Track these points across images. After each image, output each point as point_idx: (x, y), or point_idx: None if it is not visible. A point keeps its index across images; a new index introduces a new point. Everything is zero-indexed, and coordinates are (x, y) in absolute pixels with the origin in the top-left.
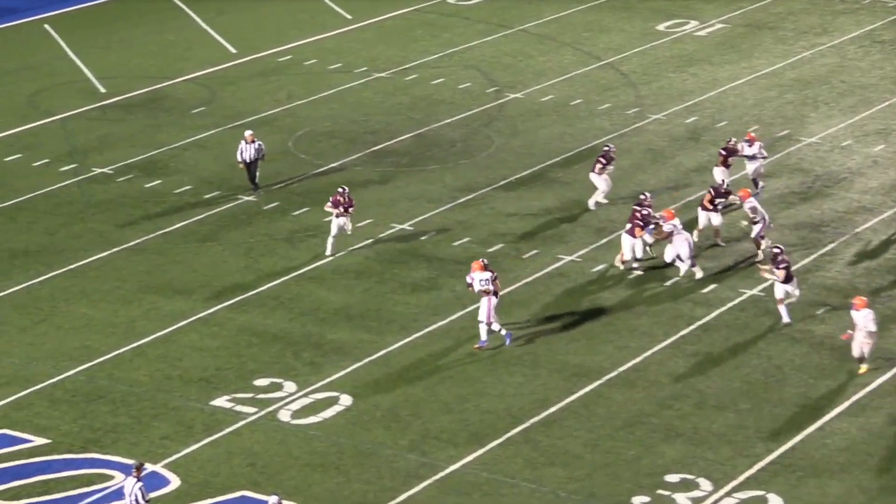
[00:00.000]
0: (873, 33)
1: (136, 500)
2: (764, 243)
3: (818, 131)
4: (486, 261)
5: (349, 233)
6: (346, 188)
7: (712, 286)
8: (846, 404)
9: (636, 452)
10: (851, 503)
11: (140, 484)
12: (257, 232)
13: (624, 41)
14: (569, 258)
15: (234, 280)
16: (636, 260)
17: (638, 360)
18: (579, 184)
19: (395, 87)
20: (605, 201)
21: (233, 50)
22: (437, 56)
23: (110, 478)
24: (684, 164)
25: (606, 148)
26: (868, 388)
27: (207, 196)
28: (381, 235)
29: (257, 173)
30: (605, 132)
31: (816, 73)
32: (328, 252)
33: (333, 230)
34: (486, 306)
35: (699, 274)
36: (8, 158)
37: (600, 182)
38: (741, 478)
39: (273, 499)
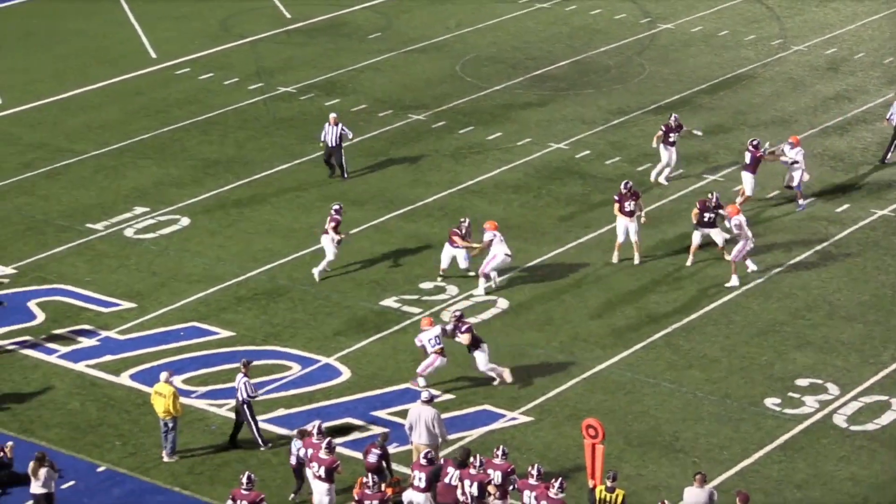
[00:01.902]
0: None
1: (244, 393)
2: (747, 269)
3: None
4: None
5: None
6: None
7: (846, 206)
8: None
9: (769, 358)
10: None
11: (246, 379)
12: (426, 148)
13: None
14: (711, 177)
15: (404, 192)
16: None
17: (774, 272)
18: (724, 109)
19: (555, 17)
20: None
21: None
22: None
23: (288, 368)
24: (822, 91)
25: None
26: None
27: (381, 115)
28: (539, 154)
29: (343, 159)
30: (749, 62)
31: None
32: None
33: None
34: (429, 364)
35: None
36: (202, 77)
37: (664, 154)
38: (867, 384)
39: (425, 394)
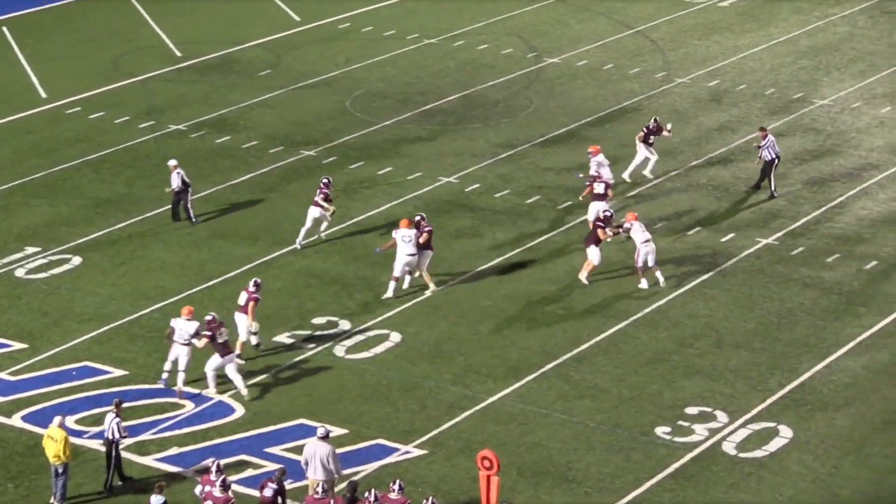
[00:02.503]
0: (882, 4)
1: (114, 433)
2: (657, 275)
3: (830, 94)
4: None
5: (328, 221)
6: (330, 178)
7: (731, 235)
8: (852, 344)
9: (659, 387)
10: (855, 435)
11: (118, 419)
12: (316, 184)
13: (653, 11)
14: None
15: (295, 227)
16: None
17: (661, 302)
18: (609, 141)
19: (443, 52)
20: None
21: (297, 18)
22: (482, 24)
23: (181, 406)
24: (706, 123)
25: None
26: (872, 330)
27: (272, 151)
28: (429, 188)
29: (189, 205)
30: (634, 94)
31: (829, 40)
32: (300, 243)
33: (308, 223)
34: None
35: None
36: (93, 116)
37: (641, 152)
38: (755, 411)
39: (321, 430)
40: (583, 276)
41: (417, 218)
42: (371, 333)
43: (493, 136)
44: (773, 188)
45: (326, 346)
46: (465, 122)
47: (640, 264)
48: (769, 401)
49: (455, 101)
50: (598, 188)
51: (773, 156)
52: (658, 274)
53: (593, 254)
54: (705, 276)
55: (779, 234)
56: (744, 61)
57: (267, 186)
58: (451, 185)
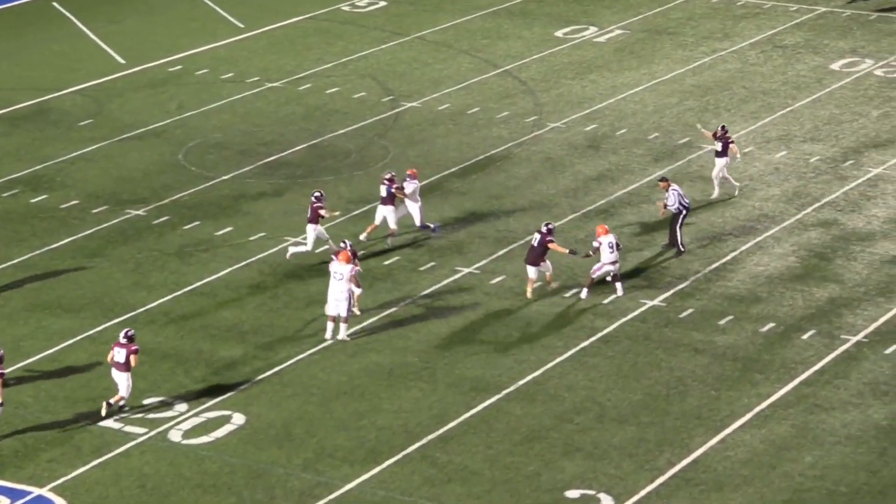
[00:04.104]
0: (774, 38)
1: None
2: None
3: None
4: None
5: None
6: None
7: (613, 297)
8: (749, 416)
9: (536, 468)
10: None
11: None
12: (146, 247)
13: (522, 48)
14: (467, 270)
15: (124, 297)
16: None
17: (538, 373)
18: (476, 193)
19: (287, 96)
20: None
21: (121, 60)
22: (331, 65)
23: None
24: (583, 172)
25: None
26: (771, 400)
27: (95, 211)
28: (274, 249)
29: None
30: (503, 141)
31: (717, 78)
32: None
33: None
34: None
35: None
36: None
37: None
38: (643, 492)
39: None
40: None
41: (347, 247)
42: (211, 415)
43: (345, 190)
44: (679, 242)
45: (160, 430)
46: (314, 175)
47: (594, 276)
48: (658, 481)
49: (302, 152)
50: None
51: (681, 207)
52: (618, 285)
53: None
54: (585, 343)
55: (666, 295)
56: (623, 103)
57: (90, 251)
58: (298, 245)
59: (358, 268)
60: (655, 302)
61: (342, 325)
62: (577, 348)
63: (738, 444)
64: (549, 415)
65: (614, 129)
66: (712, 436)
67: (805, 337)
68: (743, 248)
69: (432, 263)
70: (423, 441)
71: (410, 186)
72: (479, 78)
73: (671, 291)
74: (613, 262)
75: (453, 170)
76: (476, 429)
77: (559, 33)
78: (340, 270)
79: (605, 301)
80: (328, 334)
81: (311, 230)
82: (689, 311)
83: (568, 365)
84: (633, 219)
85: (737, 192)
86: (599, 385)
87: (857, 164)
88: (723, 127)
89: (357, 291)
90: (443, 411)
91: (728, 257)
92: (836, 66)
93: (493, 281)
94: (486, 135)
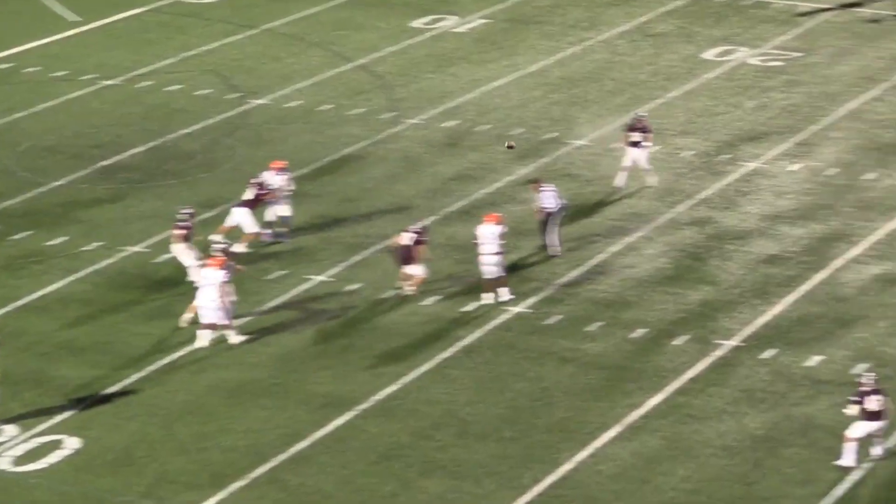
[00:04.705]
0: (644, 26)
1: None
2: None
3: (587, 133)
4: None
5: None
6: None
7: (475, 304)
8: (619, 428)
9: (393, 488)
10: None
11: None
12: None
13: (377, 40)
14: (319, 278)
15: None
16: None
17: (395, 387)
18: (329, 196)
19: (125, 95)
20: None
21: None
22: (172, 60)
23: None
24: (443, 171)
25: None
26: (642, 410)
27: None
28: (113, 260)
29: None
30: (357, 139)
31: (585, 70)
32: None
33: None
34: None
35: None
36: None
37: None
38: None
39: None
40: (409, 289)
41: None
42: (43, 440)
43: (189, 194)
44: (556, 244)
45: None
46: (156, 179)
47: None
48: (524, 499)
49: (142, 155)
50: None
51: (555, 207)
52: (502, 290)
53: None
54: (446, 355)
55: (532, 301)
56: (486, 97)
57: None
58: (139, 255)
59: (241, 268)
60: (521, 308)
61: (228, 332)
62: (438, 360)
63: (608, 457)
64: (408, 431)
65: (475, 124)
66: (581, 450)
67: (678, 343)
68: (612, 249)
69: (282, 272)
70: (273, 462)
71: (278, 180)
72: (331, 72)
73: (537, 297)
74: (492, 254)
75: (304, 171)
76: (329, 448)
77: (416, 24)
78: (211, 276)
79: (467, 309)
80: (201, 342)
81: (182, 249)
82: (556, 317)
83: (427, 378)
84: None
85: (653, 182)
86: (461, 398)
87: (732, 159)
88: (637, 115)
89: (228, 299)
90: (293, 430)
91: (597, 259)
92: (708, 55)
93: (348, 289)
94: (340, 133)
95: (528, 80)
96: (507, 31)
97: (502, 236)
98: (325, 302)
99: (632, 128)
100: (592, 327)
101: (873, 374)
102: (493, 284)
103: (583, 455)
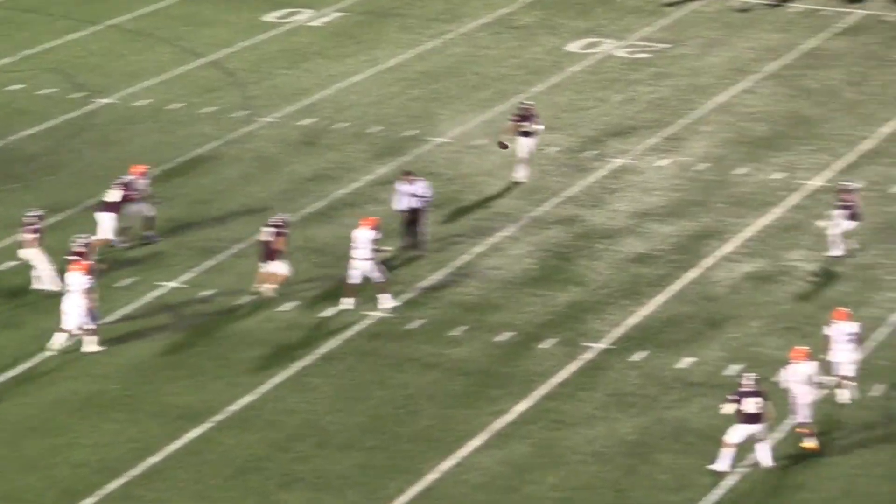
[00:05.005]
0: (507, 18)
1: None
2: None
3: (449, 129)
4: None
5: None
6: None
7: (333, 309)
8: (486, 435)
9: (251, 502)
10: None
11: None
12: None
13: (229, 35)
14: (171, 285)
15: None
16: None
17: (252, 397)
18: (180, 198)
19: None
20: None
21: None
22: (12, 59)
23: None
24: (299, 171)
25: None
26: (509, 417)
27: None
28: None
29: None
30: (209, 139)
31: (446, 64)
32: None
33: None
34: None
35: None
36: None
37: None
38: None
39: None
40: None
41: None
42: None
43: (33, 198)
44: (418, 242)
45: None
46: None
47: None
48: None
49: None
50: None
51: (419, 203)
52: (384, 297)
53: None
54: (304, 362)
55: (393, 305)
56: (343, 94)
57: None
58: None
59: (104, 266)
60: (382, 313)
61: (88, 338)
62: (296, 368)
63: (474, 466)
64: (266, 443)
65: (333, 122)
66: (446, 459)
67: (545, 346)
68: (476, 250)
69: (132, 279)
70: (125, 478)
71: (143, 183)
72: (181, 69)
73: (399, 301)
74: (363, 260)
75: (155, 173)
76: (184, 462)
77: (269, 17)
78: (74, 281)
79: (327, 314)
80: (55, 343)
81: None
82: (419, 322)
83: (286, 387)
84: (355, 222)
85: (523, 177)
86: (321, 408)
87: (599, 155)
88: (523, 103)
89: (87, 304)
90: (146, 444)
91: (460, 261)
92: (573, 47)
93: (202, 295)
94: (191, 133)
95: (387, 76)
96: (364, 24)
97: (376, 241)
98: (177, 309)
99: (520, 117)
100: (457, 331)
101: (754, 374)
102: (356, 290)
103: (448, 464)
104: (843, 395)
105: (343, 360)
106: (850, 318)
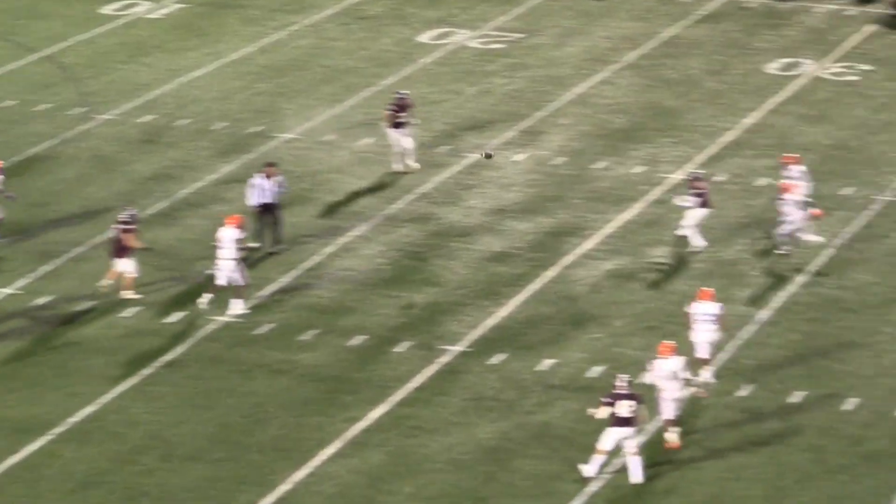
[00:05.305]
0: (355, 9)
1: None
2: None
3: (296, 125)
4: None
5: None
6: None
7: (179, 314)
8: (339, 444)
9: None
10: None
11: None
12: None
13: (63, 28)
14: (5, 291)
15: None
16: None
17: (93, 408)
18: (15, 202)
19: None
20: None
21: None
22: None
23: None
24: (140, 171)
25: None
26: (363, 424)
27: None
28: None
29: None
30: (44, 138)
31: (291, 57)
32: None
33: None
34: None
35: None
36: None
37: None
38: None
39: None
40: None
41: None
42: None
43: None
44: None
45: None
46: None
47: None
48: None
49: None
50: None
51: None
52: (236, 302)
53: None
54: (148, 371)
55: (242, 311)
56: (185, 89)
57: None
58: None
59: None
60: (226, 318)
61: None
62: (139, 377)
63: (328, 476)
64: (108, 456)
65: (174, 119)
66: (298, 469)
67: (400, 350)
68: (327, 250)
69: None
70: None
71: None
72: (13, 65)
73: (247, 305)
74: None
75: None
76: (20, 477)
77: (106, 10)
78: None
79: (170, 320)
80: None
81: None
82: (268, 326)
83: (128, 397)
84: (202, 223)
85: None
86: (166, 418)
87: (453, 150)
88: (398, 94)
89: None
90: None
91: (310, 262)
92: (425, 38)
93: (38, 302)
94: (25, 131)
95: (231, 70)
96: (206, 16)
97: (240, 241)
98: (13, 317)
99: (397, 108)
100: (307, 336)
101: (627, 376)
102: (219, 289)
103: (301, 474)
104: (704, 375)
105: (189, 368)
106: (712, 298)
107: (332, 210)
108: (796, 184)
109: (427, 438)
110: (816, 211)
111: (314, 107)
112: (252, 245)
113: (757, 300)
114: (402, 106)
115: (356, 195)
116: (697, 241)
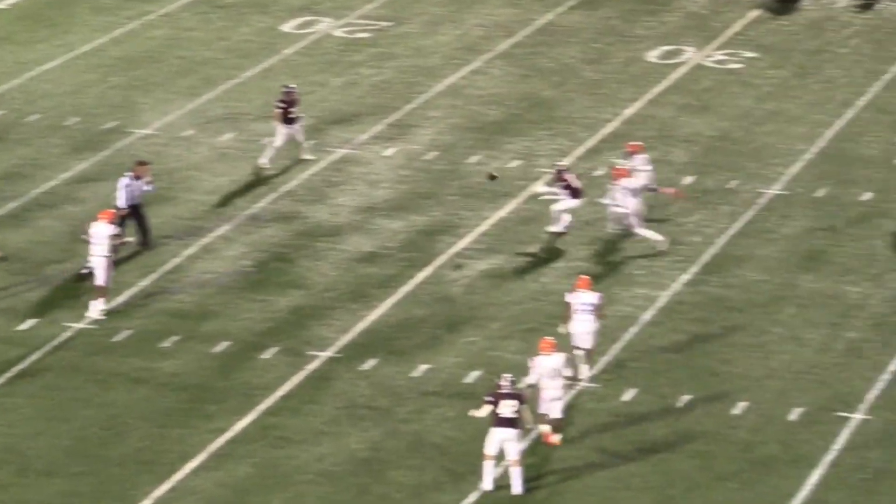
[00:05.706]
0: None
1: None
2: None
3: (153, 120)
4: None
5: None
6: None
7: (31, 322)
8: (203, 456)
9: None
10: None
11: None
12: None
13: None
14: None
15: None
16: None
17: None
18: None
19: None
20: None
21: None
22: None
23: None
24: None
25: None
26: (228, 435)
27: None
28: None
29: None
30: None
31: (146, 48)
32: None
33: None
34: None
35: None
36: None
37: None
38: None
39: None
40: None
41: None
42: None
43: None
44: (146, 240)
45: None
46: None
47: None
48: None
49: None
50: None
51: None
52: (96, 303)
53: None
54: (0, 381)
55: (99, 316)
56: (34, 83)
57: None
58: None
59: None
60: (82, 325)
61: None
62: None
63: (191, 490)
64: None
65: (24, 114)
66: (160, 483)
67: (266, 356)
68: (187, 252)
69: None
70: None
71: None
72: None
73: (108, 311)
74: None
75: None
76: None
77: None
78: None
79: (21, 327)
80: None
81: None
82: (125, 333)
83: None
84: (55, 225)
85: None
86: (20, 431)
87: (318, 145)
88: (287, 87)
89: None
90: None
91: (169, 265)
92: (287, 27)
93: None
94: None
95: (83, 62)
96: (55, 5)
97: (113, 237)
98: None
99: (286, 102)
100: (168, 343)
101: (510, 375)
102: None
103: (163, 489)
104: (583, 371)
105: (43, 378)
106: (590, 287)
107: (191, 209)
108: (633, 171)
109: (296, 449)
110: (669, 190)
111: (171, 100)
112: (126, 240)
113: (640, 300)
114: (291, 101)
115: (217, 193)
116: (559, 227)
